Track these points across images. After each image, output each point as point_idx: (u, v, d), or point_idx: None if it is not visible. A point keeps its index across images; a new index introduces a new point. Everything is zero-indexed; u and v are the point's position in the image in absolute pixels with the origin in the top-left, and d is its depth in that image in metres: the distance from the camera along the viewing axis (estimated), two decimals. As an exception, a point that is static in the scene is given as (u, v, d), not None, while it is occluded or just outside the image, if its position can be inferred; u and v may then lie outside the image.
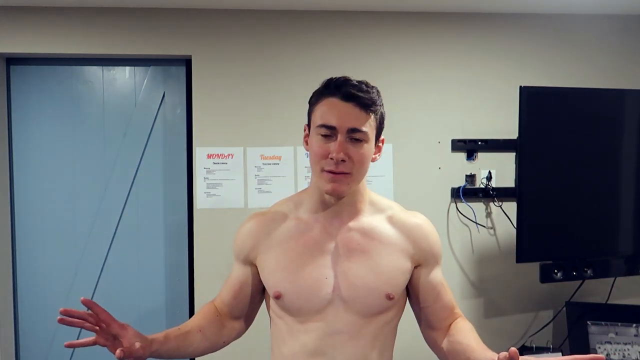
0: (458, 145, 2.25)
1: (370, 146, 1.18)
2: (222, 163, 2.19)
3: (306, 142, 1.24)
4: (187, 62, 2.26)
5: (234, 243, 1.32)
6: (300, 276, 1.20)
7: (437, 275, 1.30)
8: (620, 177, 2.06)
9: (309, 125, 1.23)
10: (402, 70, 2.24)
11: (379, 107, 1.19)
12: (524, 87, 1.92)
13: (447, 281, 2.39)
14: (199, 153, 2.18)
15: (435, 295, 1.29)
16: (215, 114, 2.18)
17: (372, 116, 1.17)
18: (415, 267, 1.27)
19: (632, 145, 2.06)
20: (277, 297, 1.21)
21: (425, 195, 2.25)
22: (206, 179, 2.18)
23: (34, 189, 2.25)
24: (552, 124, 1.97)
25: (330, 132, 1.15)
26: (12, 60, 2.23)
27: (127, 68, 2.27)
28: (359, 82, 1.19)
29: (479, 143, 2.25)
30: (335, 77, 1.20)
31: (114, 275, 2.27)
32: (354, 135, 1.15)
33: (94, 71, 2.26)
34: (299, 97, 2.16)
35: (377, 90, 1.22)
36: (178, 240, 2.30)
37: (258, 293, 1.32)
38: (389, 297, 1.20)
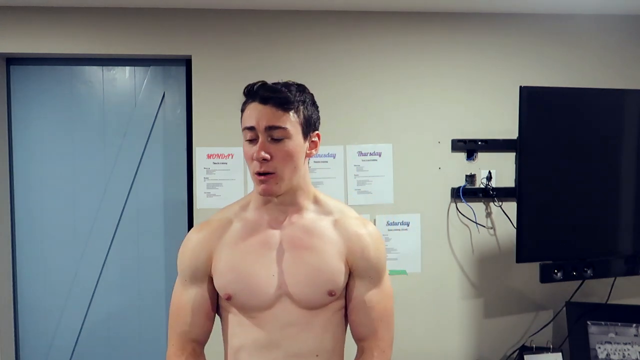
0: (458, 145, 2.25)
1: (294, 142, 1.21)
2: (222, 163, 2.19)
3: None
4: (187, 62, 2.26)
5: (184, 260, 1.32)
6: (249, 276, 1.23)
7: (370, 295, 1.28)
8: (620, 177, 2.06)
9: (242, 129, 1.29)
10: (402, 70, 2.24)
11: (299, 104, 1.22)
12: (524, 87, 1.93)
13: (447, 281, 2.40)
14: (199, 153, 2.18)
15: (360, 313, 1.28)
16: (215, 113, 2.18)
17: (292, 113, 1.21)
18: (350, 273, 1.28)
19: (632, 145, 2.06)
20: (228, 299, 1.25)
21: (425, 195, 2.25)
22: (206, 179, 2.18)
23: (34, 189, 2.25)
24: (552, 124, 1.97)
25: (253, 134, 1.22)
26: (12, 60, 2.23)
27: (127, 68, 2.27)
28: (275, 83, 1.25)
29: (479, 143, 2.25)
30: (252, 83, 1.26)
31: (114, 275, 2.27)
32: (274, 134, 1.19)
33: (94, 71, 2.26)
34: (299, 97, 2.16)
35: (300, 89, 1.25)
36: (178, 241, 2.28)
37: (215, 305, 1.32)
38: (331, 294, 1.24)
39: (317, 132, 1.28)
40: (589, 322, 2.17)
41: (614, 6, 2.20)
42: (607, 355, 2.13)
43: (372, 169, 2.22)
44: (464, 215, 2.26)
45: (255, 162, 1.20)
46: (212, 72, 2.17)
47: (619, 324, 2.15)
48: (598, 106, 2.03)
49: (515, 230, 1.98)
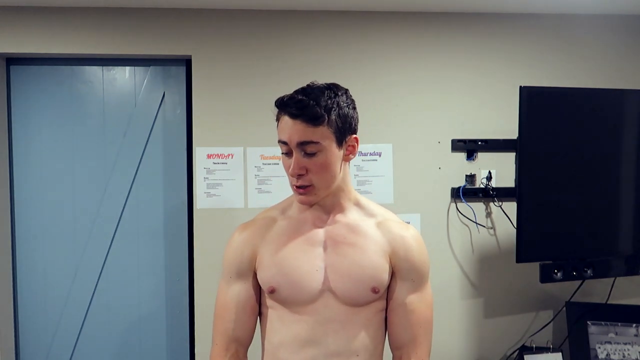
0: (458, 145, 2.25)
1: (329, 153, 1.21)
2: (222, 163, 2.19)
3: None
4: (187, 62, 2.26)
5: (228, 258, 1.32)
6: (293, 269, 1.24)
7: (411, 298, 1.29)
8: (620, 177, 2.06)
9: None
10: (402, 70, 2.24)
11: (330, 113, 1.20)
12: (524, 87, 1.92)
13: (447, 281, 2.40)
14: (199, 153, 2.18)
15: (400, 316, 1.29)
16: (215, 114, 2.18)
17: (323, 126, 1.19)
18: (393, 274, 1.29)
19: (632, 145, 2.05)
20: (272, 292, 1.25)
21: (425, 195, 2.25)
22: (206, 179, 2.18)
23: (34, 189, 2.25)
24: (552, 124, 1.97)
25: (287, 148, 1.22)
26: (12, 60, 2.23)
27: (127, 68, 2.27)
28: (305, 95, 1.20)
29: (479, 143, 2.25)
30: (282, 96, 1.23)
31: (114, 275, 2.27)
32: (306, 149, 1.20)
33: (94, 71, 2.26)
34: (299, 97, 2.16)
35: (332, 93, 1.22)
36: (178, 240, 2.30)
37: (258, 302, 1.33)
38: (374, 291, 1.25)
39: (354, 135, 1.26)
40: (589, 322, 2.17)
41: (614, 6, 2.20)
42: (607, 355, 2.13)
43: (372, 169, 2.23)
44: (464, 215, 2.26)
45: (291, 177, 1.23)
46: (212, 72, 2.17)
47: (619, 324, 2.15)
48: (598, 106, 2.03)
49: (515, 230, 1.98)
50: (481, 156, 2.27)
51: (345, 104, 1.23)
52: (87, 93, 2.26)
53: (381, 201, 2.22)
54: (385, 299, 1.30)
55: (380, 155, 2.23)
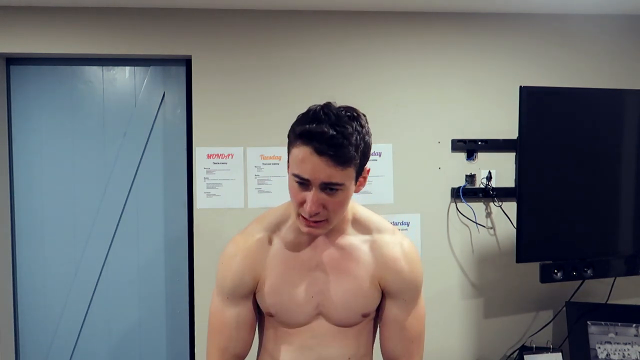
0: (458, 145, 2.25)
1: (349, 190, 1.15)
2: (222, 163, 2.19)
3: (288, 167, 1.19)
4: (187, 62, 2.26)
5: (225, 279, 1.27)
6: (290, 298, 1.25)
7: (403, 315, 1.29)
8: (620, 177, 2.06)
9: (288, 157, 1.17)
10: (402, 70, 2.24)
11: (359, 148, 1.11)
12: (524, 87, 1.92)
13: (447, 281, 2.40)
14: (199, 153, 2.18)
15: (393, 331, 1.30)
16: (215, 114, 2.18)
17: (350, 167, 1.10)
18: (383, 294, 1.30)
19: (632, 145, 2.06)
20: (270, 315, 1.29)
21: (425, 195, 2.25)
22: (206, 179, 2.18)
23: (34, 189, 2.25)
24: (552, 124, 1.97)
25: (304, 181, 1.11)
26: (12, 60, 2.23)
27: (127, 68, 2.27)
28: (334, 130, 1.06)
29: (479, 143, 2.25)
30: (305, 125, 1.08)
31: (114, 275, 2.27)
32: (330, 187, 1.11)
33: (94, 71, 2.26)
34: (299, 97, 2.16)
35: (358, 127, 1.11)
36: (178, 240, 2.29)
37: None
38: (364, 315, 1.29)
39: (368, 168, 1.20)
40: (589, 322, 2.17)
41: (614, 6, 2.20)
42: (607, 355, 2.13)
43: (372, 169, 2.21)
44: (464, 215, 2.26)
45: (304, 208, 1.13)
46: (212, 72, 2.17)
47: (619, 324, 2.15)
48: (598, 106, 2.03)
49: (515, 230, 1.98)
50: (481, 156, 2.27)
51: (367, 136, 1.14)
52: (87, 93, 2.26)
53: (381, 201, 2.22)
54: (375, 311, 1.32)
55: (380, 156, 2.22)
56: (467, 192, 2.23)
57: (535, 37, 2.28)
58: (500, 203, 2.24)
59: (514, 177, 2.04)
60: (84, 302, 2.26)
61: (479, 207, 2.27)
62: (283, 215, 1.29)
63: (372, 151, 1.26)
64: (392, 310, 1.29)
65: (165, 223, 2.29)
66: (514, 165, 2.04)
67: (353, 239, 1.28)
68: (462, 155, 2.27)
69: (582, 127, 2.00)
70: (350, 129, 1.08)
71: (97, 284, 2.26)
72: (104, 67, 2.26)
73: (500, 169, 2.26)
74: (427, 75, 2.25)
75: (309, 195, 1.12)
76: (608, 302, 2.19)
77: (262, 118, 2.19)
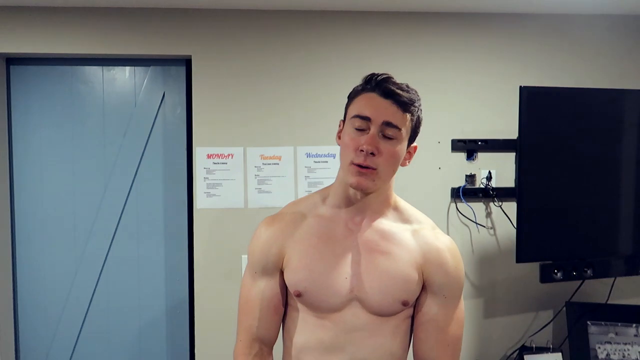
0: (458, 145, 2.25)
1: (402, 147, 1.18)
2: (222, 163, 2.19)
3: (339, 137, 1.24)
4: (187, 62, 2.26)
5: (254, 253, 1.25)
6: (321, 275, 1.18)
7: (443, 315, 1.23)
8: (620, 177, 2.06)
9: (344, 120, 1.23)
10: (402, 70, 2.24)
11: (417, 108, 1.19)
12: (524, 87, 1.92)
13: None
14: (199, 153, 2.18)
15: (429, 332, 1.23)
16: (215, 114, 2.18)
17: (409, 116, 1.17)
18: (423, 286, 1.23)
19: (632, 145, 2.06)
20: (298, 295, 1.20)
21: (425, 195, 2.25)
22: (206, 179, 2.18)
23: (34, 189, 2.25)
24: (552, 124, 1.97)
25: (364, 124, 1.15)
26: (12, 60, 2.23)
27: (127, 68, 2.27)
28: (400, 82, 1.20)
29: (479, 143, 2.25)
30: (377, 74, 1.20)
31: (114, 275, 2.27)
32: (387, 132, 1.15)
33: (94, 71, 2.26)
34: (299, 97, 2.16)
35: (417, 94, 1.21)
36: (178, 240, 2.30)
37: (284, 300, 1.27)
38: (404, 304, 1.20)
39: (415, 145, 1.24)
40: (589, 322, 2.17)
41: (614, 6, 2.20)
42: (607, 355, 2.13)
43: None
44: (464, 215, 2.26)
45: (359, 153, 1.14)
46: (212, 72, 2.17)
47: (619, 324, 2.15)
48: (598, 106, 2.03)
49: (515, 230, 1.98)
50: (481, 156, 2.27)
51: (421, 112, 1.22)
52: (87, 93, 2.26)
53: (381, 201, 2.22)
54: (413, 306, 1.24)
55: (380, 155, 2.22)
56: (467, 192, 2.23)
57: (535, 37, 2.28)
58: (500, 203, 2.24)
59: (514, 177, 2.05)
60: (84, 302, 2.26)
61: (479, 207, 2.27)
62: (321, 194, 1.28)
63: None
64: (431, 308, 1.22)
65: (165, 223, 2.29)
66: (514, 165, 2.04)
67: (393, 225, 1.24)
68: (462, 155, 2.27)
69: (582, 127, 2.00)
70: (413, 92, 1.19)
71: (97, 284, 2.26)
72: (103, 67, 2.26)
73: (500, 169, 2.26)
74: (427, 75, 2.25)
75: (366, 138, 1.14)
76: (608, 302, 2.19)
77: (262, 118, 2.19)
